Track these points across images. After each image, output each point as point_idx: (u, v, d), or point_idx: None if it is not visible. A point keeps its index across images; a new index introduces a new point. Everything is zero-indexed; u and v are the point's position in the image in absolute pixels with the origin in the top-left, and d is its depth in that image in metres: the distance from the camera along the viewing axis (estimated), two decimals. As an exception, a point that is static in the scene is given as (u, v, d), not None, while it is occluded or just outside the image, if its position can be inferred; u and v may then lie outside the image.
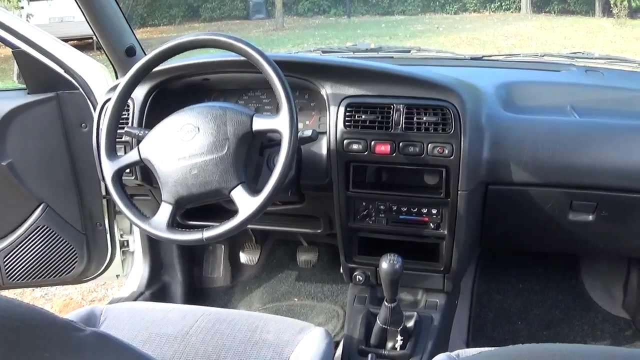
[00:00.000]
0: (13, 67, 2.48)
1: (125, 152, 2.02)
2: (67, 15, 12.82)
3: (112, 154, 1.83)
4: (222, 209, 2.16)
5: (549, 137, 1.97)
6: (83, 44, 10.63)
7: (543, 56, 2.84)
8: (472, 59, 2.82)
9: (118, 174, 1.81)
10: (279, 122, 1.65)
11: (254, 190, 1.67)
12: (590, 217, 2.07)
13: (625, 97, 2.36)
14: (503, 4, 18.74)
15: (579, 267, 2.90)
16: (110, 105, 1.86)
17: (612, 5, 15.73)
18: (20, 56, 2.37)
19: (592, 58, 2.78)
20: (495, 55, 2.95)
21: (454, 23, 16.58)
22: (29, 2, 14.46)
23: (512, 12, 18.43)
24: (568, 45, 12.31)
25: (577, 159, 1.95)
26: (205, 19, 19.39)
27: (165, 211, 1.72)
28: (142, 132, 1.88)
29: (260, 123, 1.69)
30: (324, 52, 2.88)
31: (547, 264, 2.94)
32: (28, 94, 2.47)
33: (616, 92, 2.38)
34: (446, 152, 1.89)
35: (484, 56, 2.84)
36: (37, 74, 2.42)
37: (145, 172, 2.13)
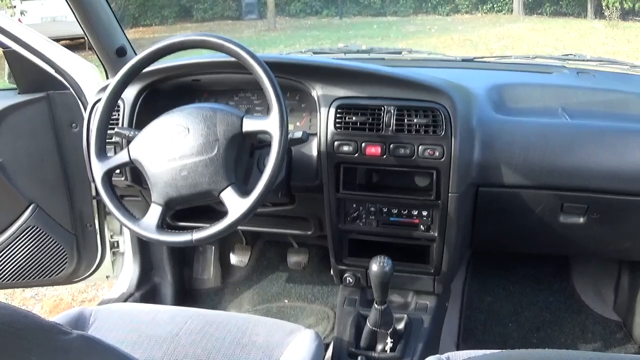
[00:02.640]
0: (4, 67, 2.47)
1: (116, 153, 2.01)
2: (59, 15, 12.76)
3: (102, 154, 1.83)
4: (212, 210, 2.15)
5: (540, 139, 1.97)
6: (75, 44, 10.59)
7: (535, 58, 2.84)
8: (463, 60, 2.81)
9: (108, 175, 1.80)
10: (269, 124, 1.65)
11: (244, 191, 1.67)
12: (581, 220, 2.07)
13: (617, 99, 2.36)
14: (495, 6, 18.77)
15: (569, 269, 2.90)
16: (100, 106, 1.85)
17: (604, 7, 15.77)
18: (11, 56, 2.36)
19: (583, 60, 2.78)
20: (487, 57, 2.95)
21: (446, 24, 16.57)
22: (22, 1, 14.43)
23: (504, 13, 18.46)
24: (560, 47, 12.32)
25: (568, 161, 1.95)
26: (197, 20, 19.33)
27: (154, 212, 1.72)
28: (132, 132, 1.88)
29: (250, 124, 1.69)
30: (315, 52, 2.88)
31: (538, 266, 2.94)
32: (19, 93, 2.46)
33: (608, 95, 2.39)
34: (437, 154, 1.88)
35: (475, 58, 2.84)
36: (27, 74, 2.41)
37: (135, 173, 2.12)
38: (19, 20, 13.96)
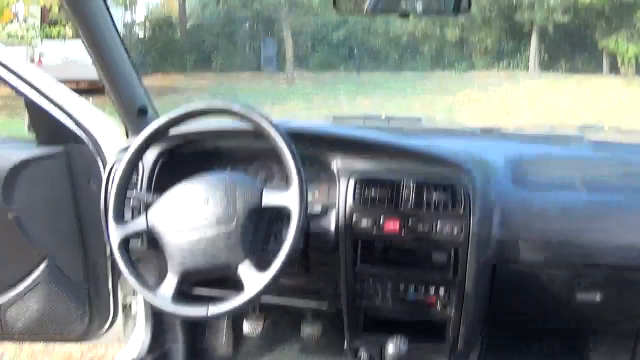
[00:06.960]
0: (24, 115, 2.47)
1: (133, 215, 2.01)
2: (81, 58, 12.86)
3: (119, 218, 1.82)
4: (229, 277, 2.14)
5: (558, 215, 1.96)
6: (95, 88, 10.67)
7: (553, 128, 2.84)
8: (482, 131, 2.81)
9: (125, 242, 1.80)
10: (288, 199, 1.65)
11: (261, 263, 1.66)
12: (598, 296, 2.04)
13: (636, 171, 2.35)
14: (512, 63, 18.90)
15: (585, 343, 2.86)
16: (119, 169, 1.85)
17: (619, 64, 15.86)
18: (31, 107, 2.37)
19: (602, 130, 2.78)
20: (506, 129, 2.95)
21: (462, 82, 16.66)
22: (42, 40, 14.60)
23: (520, 70, 18.58)
24: (575, 105, 12.39)
25: (586, 237, 1.94)
26: (216, 69, 19.51)
27: (170, 283, 1.70)
28: (150, 197, 1.87)
29: (270, 198, 1.69)
30: (335, 118, 2.88)
31: (553, 339, 2.89)
32: (38, 145, 2.47)
33: (627, 167, 2.37)
34: (455, 231, 1.87)
35: (494, 128, 2.85)
36: (47, 126, 2.41)
37: (152, 238, 2.11)
38: (39, 60, 14.12)
